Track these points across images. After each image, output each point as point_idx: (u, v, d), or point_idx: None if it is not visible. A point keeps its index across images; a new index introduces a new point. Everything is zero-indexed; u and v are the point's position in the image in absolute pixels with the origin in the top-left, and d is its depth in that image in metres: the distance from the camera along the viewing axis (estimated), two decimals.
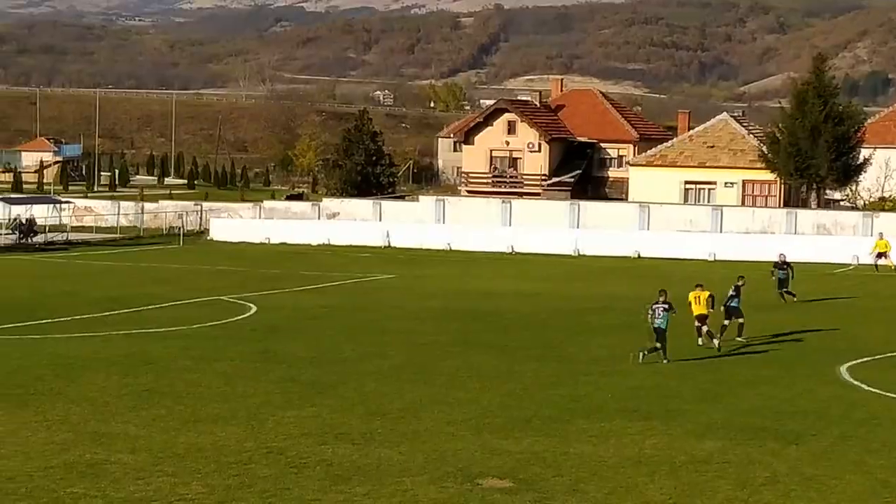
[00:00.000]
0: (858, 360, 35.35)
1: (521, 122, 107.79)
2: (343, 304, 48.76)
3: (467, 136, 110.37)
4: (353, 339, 38.82)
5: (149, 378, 30.77)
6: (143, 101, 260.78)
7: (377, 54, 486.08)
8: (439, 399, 28.68)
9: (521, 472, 22.05)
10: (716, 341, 36.59)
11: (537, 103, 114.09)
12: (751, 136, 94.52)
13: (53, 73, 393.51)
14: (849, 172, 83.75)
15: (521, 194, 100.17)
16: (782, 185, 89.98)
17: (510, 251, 75.75)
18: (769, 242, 71.41)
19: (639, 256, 73.01)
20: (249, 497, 20.16)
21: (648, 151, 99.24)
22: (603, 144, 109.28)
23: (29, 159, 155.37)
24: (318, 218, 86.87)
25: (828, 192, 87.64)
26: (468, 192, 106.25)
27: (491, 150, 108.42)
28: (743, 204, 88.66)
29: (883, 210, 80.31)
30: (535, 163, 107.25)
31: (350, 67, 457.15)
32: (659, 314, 34.49)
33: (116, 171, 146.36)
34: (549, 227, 79.23)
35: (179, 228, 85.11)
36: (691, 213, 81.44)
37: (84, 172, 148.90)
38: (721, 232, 77.20)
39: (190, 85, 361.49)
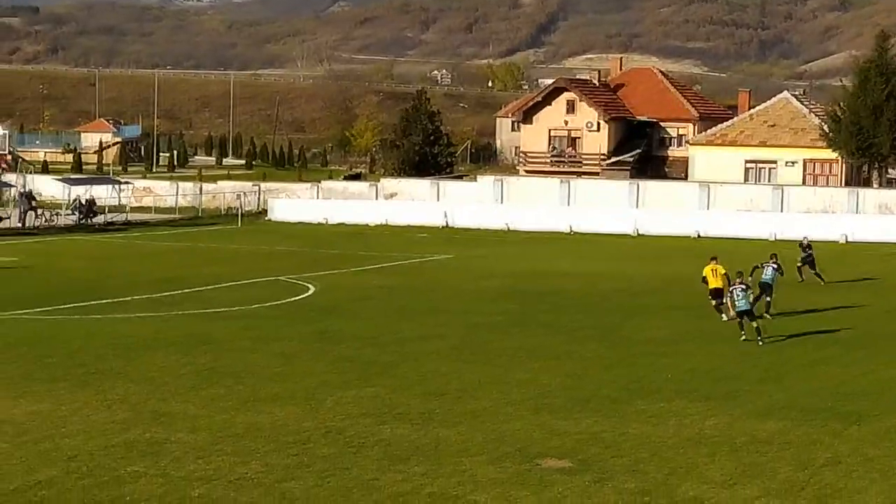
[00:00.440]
0: None
1: (581, 101, 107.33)
2: (401, 285, 48.76)
3: (526, 116, 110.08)
4: (411, 319, 38.80)
5: (208, 358, 30.87)
6: (202, 82, 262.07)
7: (435, 34, 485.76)
8: (498, 379, 28.61)
9: (581, 452, 21.96)
10: (724, 317, 37.08)
11: (597, 82, 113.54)
12: (812, 114, 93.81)
13: (113, 55, 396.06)
14: None
15: (580, 174, 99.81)
16: (844, 164, 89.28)
17: (569, 231, 75.51)
18: (831, 222, 70.89)
19: (699, 236, 72.55)
20: (308, 476, 20.18)
21: (709, 130, 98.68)
22: (663, 123, 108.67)
23: (89, 140, 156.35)
24: (377, 198, 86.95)
25: (890, 171, 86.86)
26: (527, 171, 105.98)
27: (550, 130, 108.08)
28: (804, 183, 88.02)
29: None
30: (595, 142, 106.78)
31: (408, 47, 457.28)
32: (738, 295, 34.55)
33: (175, 152, 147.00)
34: (609, 207, 78.90)
35: (238, 209, 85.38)
36: (752, 192, 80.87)
37: (143, 153, 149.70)
38: (782, 211, 76.62)
39: (248, 66, 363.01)
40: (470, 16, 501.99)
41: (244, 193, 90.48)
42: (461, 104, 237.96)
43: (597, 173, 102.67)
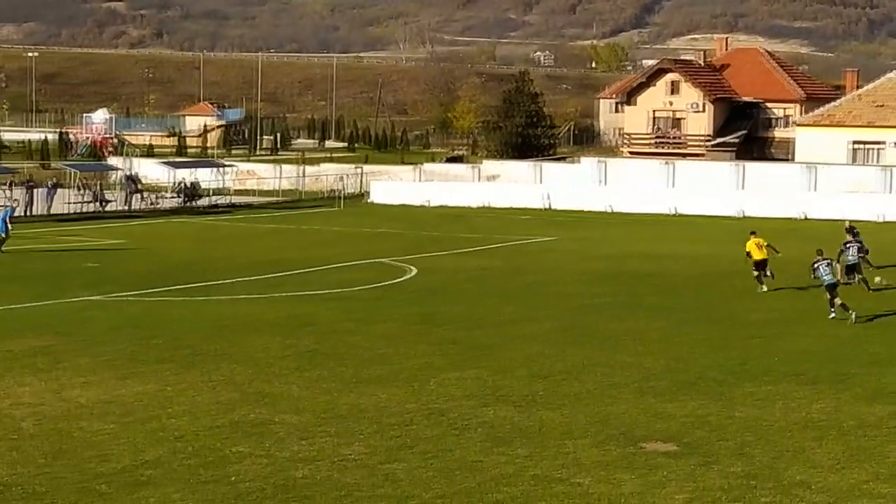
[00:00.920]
0: None
1: (685, 81, 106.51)
2: (503, 267, 48.67)
3: (629, 97, 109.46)
4: (513, 301, 38.69)
5: (311, 340, 30.98)
6: (304, 64, 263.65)
7: (538, 15, 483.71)
8: (602, 361, 28.43)
9: (686, 435, 21.74)
10: (764, 287, 39.97)
11: (701, 63, 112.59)
12: None
13: (216, 38, 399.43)
14: None
15: (683, 155, 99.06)
16: None
17: (672, 213, 74.96)
18: None
19: (805, 218, 71.72)
20: (411, 458, 20.15)
21: (815, 111, 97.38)
22: (768, 104, 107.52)
23: (192, 123, 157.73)
24: (478, 180, 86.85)
25: None
26: (630, 153, 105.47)
27: (653, 111, 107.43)
28: None
29: None
30: (699, 123, 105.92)
31: (510, 28, 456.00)
32: (823, 271, 35.04)
33: (278, 135, 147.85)
34: (713, 189, 78.18)
35: (340, 191, 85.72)
36: (859, 173, 79.79)
37: (246, 136, 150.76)
38: (891, 192, 75.49)
39: (350, 48, 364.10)
40: None
41: (346, 176, 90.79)
42: (563, 85, 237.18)
43: (700, 155, 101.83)
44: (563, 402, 24.20)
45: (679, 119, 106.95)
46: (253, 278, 43.99)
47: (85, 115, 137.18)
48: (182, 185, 79.22)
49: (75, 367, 27.17)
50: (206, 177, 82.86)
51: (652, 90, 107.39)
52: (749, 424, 22.55)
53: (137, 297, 38.80)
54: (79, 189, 75.38)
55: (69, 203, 71.51)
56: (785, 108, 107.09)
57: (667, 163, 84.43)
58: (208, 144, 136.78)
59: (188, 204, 77.37)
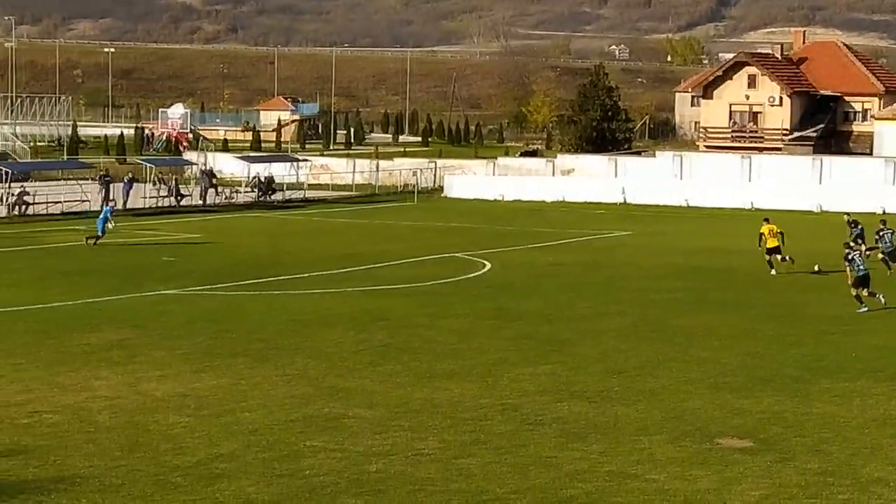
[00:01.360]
0: None
1: (762, 75, 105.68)
2: (578, 261, 48.49)
3: (706, 91, 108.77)
4: (588, 296, 38.55)
5: (385, 334, 31.00)
6: (378, 59, 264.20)
7: (613, 8, 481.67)
8: (676, 357, 28.25)
9: (762, 431, 21.55)
10: (774, 272, 42.68)
11: (778, 56, 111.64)
12: None
13: (291, 33, 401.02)
14: None
15: (761, 149, 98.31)
16: None
17: (750, 208, 74.39)
18: None
19: (885, 212, 70.86)
20: (485, 453, 20.10)
21: (895, 105, 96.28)
22: (847, 98, 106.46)
23: (267, 118, 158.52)
24: (553, 174, 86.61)
25: None
26: (707, 147, 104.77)
27: (731, 105, 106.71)
28: None
29: None
30: (777, 117, 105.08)
31: (585, 22, 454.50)
32: (859, 262, 35.67)
33: (352, 130, 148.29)
34: (791, 184, 77.52)
35: (414, 186, 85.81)
36: None
37: (320, 131, 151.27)
38: None
39: (424, 42, 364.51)
40: None
41: (420, 170, 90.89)
42: (639, 79, 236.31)
43: (779, 149, 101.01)
44: (637, 398, 24.07)
45: (757, 113, 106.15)
46: (326, 273, 44.09)
47: (161, 110, 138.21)
48: (257, 179, 79.60)
49: (151, 361, 27.36)
50: (280, 171, 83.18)
51: (729, 84, 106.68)
52: (826, 421, 22.34)
53: (212, 292, 39.01)
54: (155, 184, 75.94)
55: (145, 197, 72.06)
56: (864, 102, 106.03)
57: (745, 157, 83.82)
58: (283, 139, 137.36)
59: (263, 198, 77.74)
